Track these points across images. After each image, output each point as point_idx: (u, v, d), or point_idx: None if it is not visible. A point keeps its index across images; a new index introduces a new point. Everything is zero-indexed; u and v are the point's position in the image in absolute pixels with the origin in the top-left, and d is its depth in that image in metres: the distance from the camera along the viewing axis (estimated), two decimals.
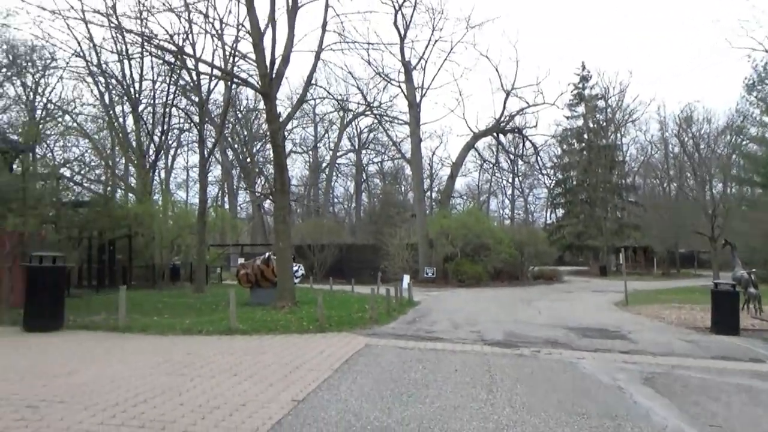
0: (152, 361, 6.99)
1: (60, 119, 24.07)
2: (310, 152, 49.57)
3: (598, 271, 37.58)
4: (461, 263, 26.38)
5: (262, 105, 40.32)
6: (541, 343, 8.91)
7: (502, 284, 26.27)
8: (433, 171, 52.33)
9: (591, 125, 43.43)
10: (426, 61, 30.81)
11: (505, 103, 32.33)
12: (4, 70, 21.43)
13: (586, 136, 43.81)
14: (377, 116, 35.38)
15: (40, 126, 17.46)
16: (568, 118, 44.46)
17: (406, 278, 17.89)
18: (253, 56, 14.54)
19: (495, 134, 34.96)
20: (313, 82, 17.84)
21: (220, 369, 6.60)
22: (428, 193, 47.02)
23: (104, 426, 4.52)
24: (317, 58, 15.74)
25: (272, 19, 13.85)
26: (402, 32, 29.10)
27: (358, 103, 37.88)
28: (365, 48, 28.19)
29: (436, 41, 30.25)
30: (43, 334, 9.04)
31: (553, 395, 5.69)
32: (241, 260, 28.73)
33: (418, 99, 30.69)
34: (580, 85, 43.66)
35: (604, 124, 42.87)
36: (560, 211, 49.01)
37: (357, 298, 17.11)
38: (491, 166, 49.65)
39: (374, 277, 20.63)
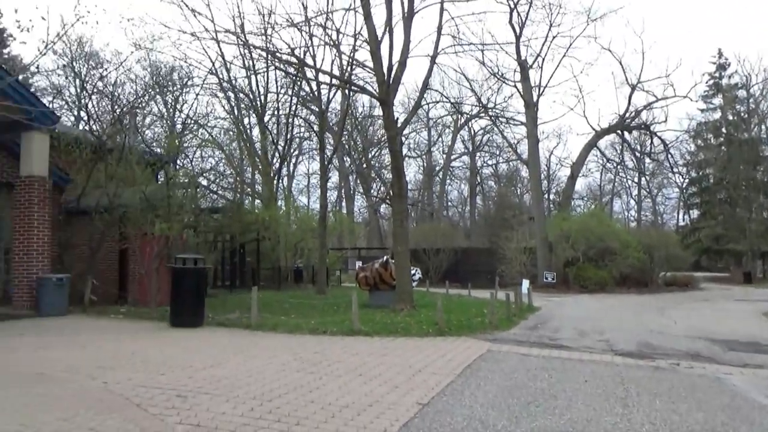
0: (283, 359, 7.37)
1: (196, 132, 26.33)
2: (424, 156, 49.88)
3: (742, 278, 34.11)
4: (584, 268, 25.16)
5: (377, 112, 41.26)
6: (679, 356, 8.23)
7: (629, 291, 24.67)
8: (551, 172, 50.53)
9: (730, 118, 39.58)
10: (543, 59, 29.86)
11: (630, 98, 30.45)
12: (150, 90, 23.77)
13: (724, 129, 40.00)
14: (492, 118, 34.84)
15: (180, 139, 19.17)
16: (702, 111, 40.88)
17: (526, 283, 17.39)
18: (370, 64, 14.94)
19: (619, 131, 33.03)
20: (428, 86, 17.98)
21: (347, 369, 6.80)
22: (546, 195, 45.40)
23: (244, 418, 4.82)
24: (433, 62, 15.82)
25: (389, 27, 14.12)
26: (517, 30, 28.42)
27: (472, 105, 37.53)
28: (480, 49, 27.79)
29: (553, 37, 29.19)
30: (187, 330, 9.87)
31: (697, 413, 5.22)
32: (358, 263, 29.56)
33: (534, 98, 29.79)
34: (717, 74, 39.97)
35: (746, 116, 38.89)
36: (695, 212, 45.14)
37: (474, 302, 16.91)
38: (615, 165, 46.99)
39: (490, 281, 20.28)
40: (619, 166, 46.55)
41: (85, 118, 17.90)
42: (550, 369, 7.12)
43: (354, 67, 18.73)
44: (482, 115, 36.72)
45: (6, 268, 12.61)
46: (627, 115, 30.72)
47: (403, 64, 14.38)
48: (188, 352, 7.78)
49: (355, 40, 17.48)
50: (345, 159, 45.25)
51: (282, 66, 19.91)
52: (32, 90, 15.52)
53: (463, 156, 51.18)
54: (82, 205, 14.52)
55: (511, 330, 10.83)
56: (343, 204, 48.82)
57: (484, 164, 51.67)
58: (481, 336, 9.78)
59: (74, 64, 16.89)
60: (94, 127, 16.28)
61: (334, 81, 18.61)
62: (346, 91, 24.20)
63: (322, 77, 19.57)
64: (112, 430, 4.45)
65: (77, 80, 16.83)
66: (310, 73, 21.00)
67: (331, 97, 24.37)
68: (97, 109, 17.25)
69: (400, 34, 14.54)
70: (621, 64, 39.07)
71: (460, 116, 42.76)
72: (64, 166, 14.34)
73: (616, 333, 10.67)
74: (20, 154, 12.04)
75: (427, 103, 38.75)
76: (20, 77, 13.96)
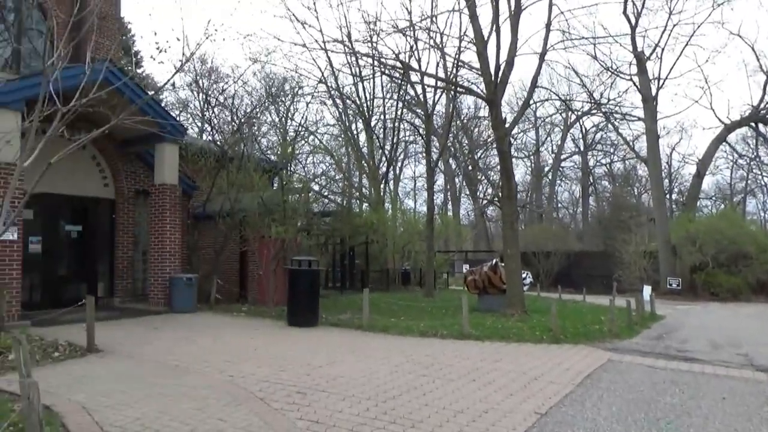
0: (396, 360, 7.43)
1: (307, 139, 27.39)
2: (533, 156, 48.37)
3: None
4: (713, 274, 23.12)
5: (483, 113, 40.65)
6: None
7: None
8: (673, 170, 46.93)
9: None
10: (662, 49, 27.90)
11: (765, 86, 27.59)
12: (264, 101, 25.07)
13: None
14: (605, 114, 33.04)
15: (293, 146, 20.03)
16: None
17: (647, 289, 16.29)
18: (476, 65, 14.73)
19: (753, 124, 30.02)
20: (536, 84, 17.39)
21: (459, 373, 6.72)
22: (668, 195, 42.27)
23: (361, 417, 4.90)
24: (542, 59, 15.28)
25: (496, 25, 13.84)
26: (633, 21, 26.78)
27: (584, 102, 35.85)
28: (592, 43, 26.47)
29: (674, 26, 27.17)
30: (302, 329, 10.26)
31: None
32: (465, 266, 29.25)
33: (653, 92, 27.87)
34: None
35: None
36: None
37: (590, 308, 16.12)
38: (748, 161, 42.74)
39: (606, 287, 19.23)
40: (752, 162, 42.27)
41: (208, 129, 19.25)
42: (680, 383, 6.59)
43: (459, 68, 18.60)
44: (594, 111, 34.98)
45: (143, 268, 13.85)
46: (762, 105, 27.88)
47: (510, 63, 14.04)
48: (305, 351, 8.07)
49: (461, 42, 17.34)
50: (451, 161, 45.03)
51: (387, 71, 20.21)
52: (163, 105, 16.94)
53: (573, 155, 49.03)
54: (207, 210, 15.63)
55: (633, 339, 10.17)
56: (449, 206, 48.58)
57: (597, 163, 49.15)
58: (600, 345, 9.27)
59: (198, 80, 18.21)
60: (216, 137, 17.46)
61: (440, 83, 18.58)
62: (452, 93, 24.11)
63: (427, 80, 19.62)
64: (239, 421, 4.71)
65: (201, 94, 18.09)
66: (415, 77, 21.14)
67: (436, 99, 24.37)
68: (218, 121, 18.48)
69: (507, 32, 14.23)
70: (753, 50, 35.58)
71: (570, 114, 41.03)
72: (191, 174, 15.52)
73: (756, 346, 9.67)
74: (154, 164, 13.18)
75: (535, 102, 37.58)
76: (154, 95, 15.27)
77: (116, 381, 6.06)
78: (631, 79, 28.46)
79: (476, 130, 44.10)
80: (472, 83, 19.46)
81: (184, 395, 5.52)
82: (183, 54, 5.01)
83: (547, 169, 48.51)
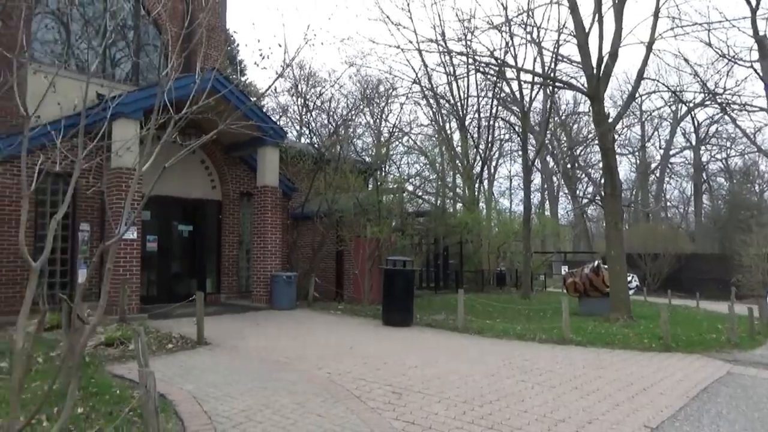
0: (492, 363, 7.26)
1: (401, 140, 27.57)
2: (637, 153, 45.63)
3: None
4: None
5: (582, 108, 38.97)
6: None
7: None
8: None
9: None
10: None
11: None
12: (359, 103, 25.55)
13: None
14: (721, 105, 30.38)
15: (387, 147, 20.27)
16: None
17: None
18: (576, 58, 14.12)
19: None
20: (642, 75, 16.34)
21: (560, 380, 6.44)
22: None
23: (457, 421, 4.82)
24: (649, 49, 14.34)
25: (598, 15, 13.18)
26: (754, 3, 24.45)
27: (696, 93, 33.23)
28: (705, 29, 24.50)
29: None
30: (397, 329, 10.31)
31: None
32: (564, 268, 28.14)
33: None
34: None
35: None
36: None
37: (704, 315, 14.94)
38: None
39: (722, 292, 17.71)
40: None
41: (307, 132, 19.91)
42: None
43: (558, 62, 17.92)
44: (709, 102, 32.26)
45: (247, 266, 14.56)
46: None
47: (614, 55, 13.30)
48: (400, 350, 8.10)
49: (559, 35, 16.76)
50: (548, 159, 43.55)
51: (482, 69, 19.86)
52: (264, 110, 17.72)
53: (684, 150, 45.64)
54: (305, 210, 16.16)
55: (757, 350, 9.27)
56: (547, 206, 46.99)
57: (712, 159, 45.42)
58: (717, 355, 8.53)
59: (297, 85, 18.88)
60: (314, 140, 18.01)
61: (537, 79, 17.99)
62: (550, 88, 23.29)
63: (523, 76, 19.08)
64: (337, 418, 4.79)
65: (299, 99, 18.73)
66: (511, 74, 20.64)
67: (533, 96, 23.65)
68: (316, 124, 19.08)
69: (611, 22, 13.49)
70: None
71: (680, 106, 38.26)
72: (290, 176, 16.11)
73: None
74: (257, 167, 13.81)
75: (641, 95, 35.42)
76: (256, 101, 16.02)
77: (222, 373, 6.39)
78: (751, 66, 26.01)
79: (576, 126, 42.37)
80: (571, 77, 18.69)
81: (284, 390, 5.70)
82: (284, 60, 5.19)
83: (654, 165, 45.58)
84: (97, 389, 5.44)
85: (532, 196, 33.19)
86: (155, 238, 12.81)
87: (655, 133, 45.52)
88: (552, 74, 17.27)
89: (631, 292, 16.03)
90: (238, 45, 35.87)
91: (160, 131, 5.00)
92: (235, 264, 14.39)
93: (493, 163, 38.86)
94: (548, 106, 24.07)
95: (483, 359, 7.57)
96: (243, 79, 34.00)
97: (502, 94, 25.53)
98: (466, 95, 26.53)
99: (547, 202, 47.03)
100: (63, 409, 3.89)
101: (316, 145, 17.44)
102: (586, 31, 13.53)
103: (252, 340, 8.63)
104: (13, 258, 10.10)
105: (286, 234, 15.13)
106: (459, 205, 27.14)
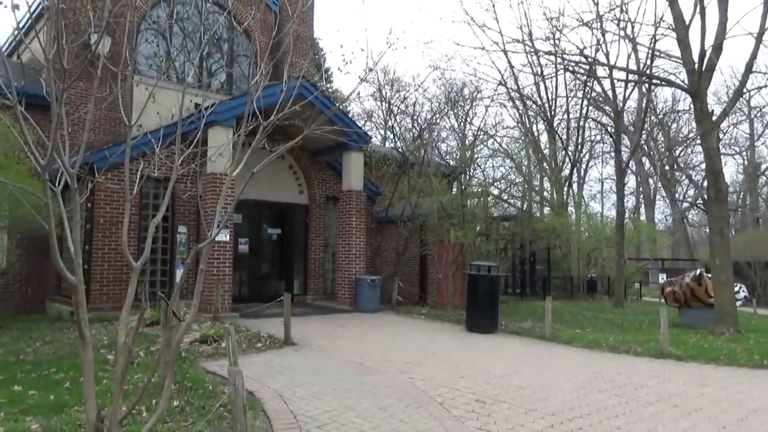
0: (582, 375, 6.92)
1: (486, 143, 27.11)
2: (745, 152, 42.18)
3: None
4: None
5: (682, 106, 36.62)
6: None
7: None
8: None
9: None
10: None
11: None
12: (443, 107, 25.42)
13: None
14: None
15: (472, 150, 19.98)
16: None
17: None
18: (675, 53, 13.27)
19: None
20: (751, 69, 15.05)
21: (657, 396, 6.03)
22: None
23: None
24: (758, 40, 13.18)
25: (700, 6, 12.31)
26: None
27: None
28: None
29: None
30: (481, 336, 10.10)
31: None
32: (662, 276, 26.50)
33: None
34: None
35: None
36: None
37: None
38: None
39: None
40: None
41: (391, 137, 20.06)
42: None
43: (655, 58, 16.91)
44: None
45: (332, 269, 14.84)
46: None
47: (718, 48, 12.35)
48: (484, 358, 7.91)
49: (656, 30, 15.74)
50: (644, 161, 41.24)
51: (572, 68, 19.14)
52: (349, 116, 18.04)
53: None
54: (389, 214, 16.26)
55: None
56: (642, 210, 44.49)
57: None
58: None
59: (381, 90, 19.06)
60: (398, 144, 18.10)
61: (632, 77, 17.08)
62: (645, 86, 22.04)
63: (616, 74, 18.18)
64: (419, 424, 4.73)
65: (383, 104, 18.87)
66: (602, 72, 19.73)
67: (627, 95, 22.47)
68: (400, 128, 19.16)
69: (714, 13, 12.55)
70: None
71: None
72: (374, 181, 16.28)
73: None
74: (342, 172, 14.06)
75: (749, 91, 32.71)
76: (340, 106, 16.33)
77: (307, 373, 6.52)
78: None
79: (674, 125, 39.85)
80: (670, 74, 17.57)
81: (367, 393, 5.72)
82: (366, 65, 5.22)
83: (764, 166, 41.92)
84: (191, 384, 5.71)
85: (626, 200, 31.64)
86: (246, 240, 13.36)
87: (766, 131, 41.88)
88: (648, 71, 16.32)
89: (738, 303, 14.82)
90: (324, 53, 36.90)
91: (251, 137, 5.20)
92: (321, 266, 14.72)
93: (583, 166, 37.38)
94: (644, 105, 22.74)
95: (572, 370, 7.24)
96: (329, 86, 34.88)
97: (593, 94, 24.51)
98: (554, 96, 25.69)
99: (643, 206, 44.52)
100: (160, 402, 4.11)
101: (400, 149, 17.50)
102: (687, 23, 12.68)
103: (336, 341, 8.76)
104: (119, 257, 10.87)
105: (370, 238, 15.28)
106: (546, 209, 26.28)
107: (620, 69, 15.74)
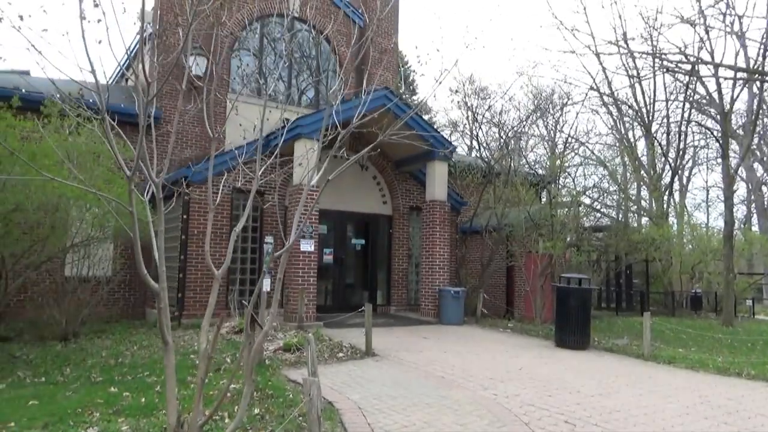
0: (686, 399, 6.32)
1: (577, 151, 26.01)
2: None
3: None
4: None
5: None
6: None
7: None
8: None
9: None
10: None
11: None
12: (532, 114, 24.70)
13: None
14: None
15: (562, 159, 19.21)
16: None
17: None
18: None
19: None
20: None
21: None
22: None
23: None
24: None
25: None
26: None
27: None
28: None
29: None
30: (572, 352, 9.56)
31: None
32: None
33: None
34: None
35: None
36: None
37: None
38: None
39: None
40: None
41: (476, 146, 19.71)
42: None
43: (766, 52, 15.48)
44: None
45: (416, 280, 14.71)
46: None
47: None
48: (575, 376, 7.45)
49: None
50: (756, 166, 37.94)
51: (672, 68, 17.94)
52: (435, 126, 17.92)
53: None
54: (474, 225, 15.93)
55: None
56: (755, 220, 40.87)
57: None
58: None
59: (467, 99, 18.80)
60: (483, 153, 17.75)
61: (741, 74, 15.74)
62: (756, 85, 20.26)
63: (723, 72, 16.83)
64: None
65: (469, 113, 18.60)
66: (706, 71, 18.35)
67: (735, 96, 20.75)
68: (485, 137, 18.79)
69: None
70: None
71: None
72: (459, 190, 16.02)
73: None
74: (425, 182, 13.94)
75: None
76: (417, 111, 16.26)
77: (387, 385, 6.41)
78: None
79: None
80: None
81: (448, 408, 5.52)
82: (442, 65, 5.08)
83: None
84: (272, 391, 5.77)
85: (735, 209, 29.21)
86: (331, 250, 13.55)
87: None
88: (761, 68, 14.95)
89: None
90: (410, 66, 37.17)
91: (340, 155, 5.26)
92: (405, 277, 14.63)
93: (686, 173, 34.97)
94: (755, 106, 20.87)
95: (674, 393, 6.63)
96: (415, 98, 35.01)
97: (696, 96, 22.88)
98: (652, 100, 24.22)
99: (755, 215, 40.90)
100: (238, 409, 4.15)
101: (485, 158, 17.14)
102: None
103: (418, 353, 8.60)
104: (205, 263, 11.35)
105: (454, 248, 15.03)
106: (644, 220, 24.75)
107: (728, 67, 14.54)
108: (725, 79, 17.68)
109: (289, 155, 11.57)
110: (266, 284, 10.59)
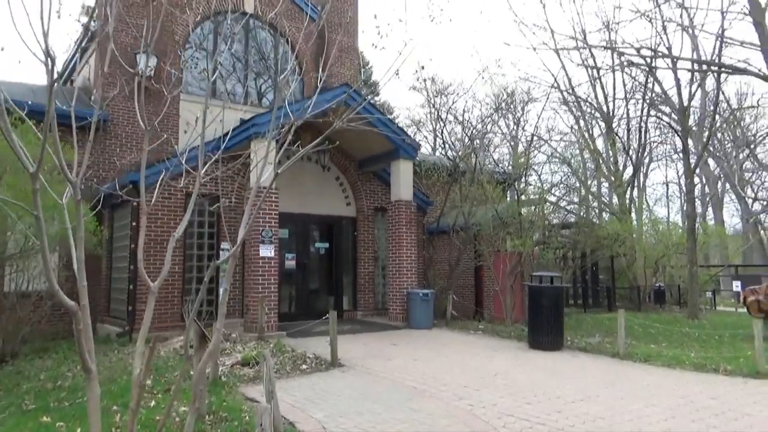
0: (668, 401, 6.02)
1: (539, 149, 26.01)
2: None
3: None
4: None
5: (749, 102, 34.38)
6: None
7: None
8: None
9: None
10: None
11: None
12: (494, 113, 24.58)
13: None
14: None
15: (527, 156, 19.07)
16: None
17: None
18: (750, 39, 12.10)
19: None
20: None
21: (764, 426, 5.10)
22: None
23: None
24: None
25: None
26: None
27: None
28: None
29: None
30: (546, 353, 9.23)
31: None
32: (736, 284, 24.55)
33: None
34: None
35: None
36: None
37: None
38: None
39: None
40: None
41: (440, 144, 19.40)
42: None
43: (724, 47, 15.63)
44: None
45: (383, 283, 14.24)
46: None
47: None
48: (552, 380, 7.10)
49: (724, 16, 14.52)
50: (710, 162, 38.89)
51: (630, 61, 17.97)
52: (398, 125, 17.52)
53: None
54: (441, 225, 15.56)
55: None
56: (709, 214, 41.93)
57: None
58: None
59: (429, 97, 18.49)
60: (448, 152, 17.41)
61: (699, 67, 15.84)
62: (713, 81, 20.57)
63: (682, 65, 16.95)
64: None
65: (432, 109, 18.24)
66: (665, 65, 18.50)
67: (693, 91, 21.04)
68: (449, 136, 18.47)
69: None
70: None
71: None
72: (425, 190, 15.63)
73: None
74: (390, 182, 13.50)
75: None
76: (389, 117, 15.88)
77: (355, 399, 5.92)
78: None
79: (741, 124, 37.36)
80: (746, 63, 16.17)
81: (421, 423, 5.07)
82: (404, 44, 4.69)
83: None
84: (227, 414, 5.21)
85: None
86: (293, 255, 12.97)
87: None
88: (717, 59, 15.03)
89: None
90: (371, 66, 36.79)
91: (295, 149, 4.76)
92: (371, 281, 14.15)
93: (643, 169, 35.55)
94: (715, 99, 21.17)
95: (656, 395, 6.33)
96: (377, 98, 34.61)
97: (653, 95, 23.14)
98: (613, 97, 24.45)
99: (710, 209, 41.96)
100: None
101: (450, 156, 16.80)
102: (764, 6, 11.56)
103: (387, 361, 8.13)
104: (158, 273, 10.62)
105: (421, 249, 14.62)
106: (606, 215, 24.92)
107: (686, 59, 14.57)
108: (685, 69, 17.84)
109: (247, 156, 10.97)
110: (221, 293, 9.96)
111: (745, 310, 13.85)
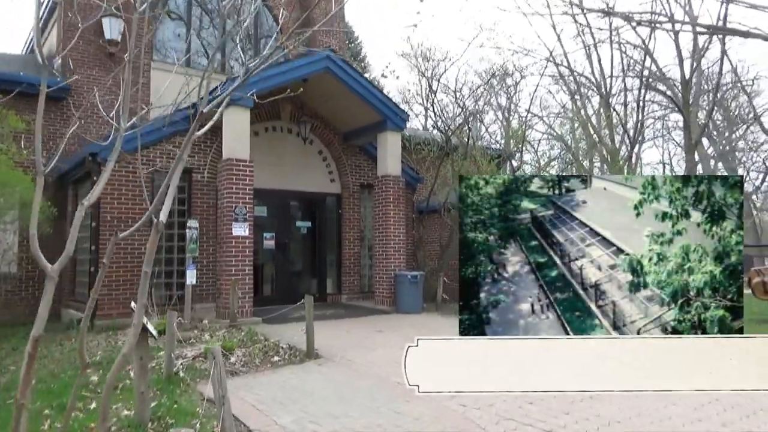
0: (695, 398, 5.26)
1: (534, 126, 25.21)
2: None
3: None
4: None
5: (748, 75, 33.57)
6: None
7: None
8: None
9: None
10: None
11: None
12: (488, 87, 23.63)
13: None
14: None
15: (523, 130, 18.27)
16: None
17: None
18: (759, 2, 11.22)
19: None
20: None
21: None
22: None
23: None
24: None
25: None
26: None
27: None
28: None
29: None
30: None
31: None
32: None
33: None
34: None
35: None
36: None
37: None
38: None
39: None
40: None
41: (431, 117, 18.43)
42: None
43: (727, 9, 14.73)
44: None
45: (369, 264, 13.41)
46: None
47: None
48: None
49: None
50: (704, 141, 38.19)
51: (634, 24, 17.01)
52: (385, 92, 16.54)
53: None
54: (431, 203, 14.71)
55: None
56: None
57: None
58: None
59: (420, 69, 17.46)
60: (439, 124, 16.48)
61: (701, 30, 14.95)
62: (719, 37, 19.63)
63: (685, 29, 16.04)
64: None
65: (423, 79, 17.22)
66: (665, 32, 17.58)
67: (693, 66, 20.23)
68: (441, 109, 17.52)
69: None
70: None
71: None
72: (414, 166, 14.74)
73: None
74: (377, 156, 12.60)
75: None
76: (376, 83, 14.93)
77: (330, 400, 5.11)
78: None
79: (734, 103, 36.62)
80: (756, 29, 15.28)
81: (407, 431, 4.27)
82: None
83: None
84: (174, 420, 4.38)
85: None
86: (272, 235, 12.08)
87: None
88: (722, 23, 14.11)
89: None
90: (360, 42, 35.58)
91: (274, 121, 3.83)
92: (357, 262, 13.31)
93: (641, 146, 34.83)
94: (720, 68, 20.34)
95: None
96: (367, 76, 33.54)
97: (650, 72, 22.30)
98: (610, 73, 23.55)
99: None
100: None
101: (442, 129, 15.85)
102: None
103: (371, 352, 7.33)
104: (130, 258, 9.73)
105: (410, 229, 13.79)
106: None
107: (689, 23, 13.66)
108: (689, 32, 16.94)
109: (221, 127, 10.04)
110: (191, 276, 9.10)
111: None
